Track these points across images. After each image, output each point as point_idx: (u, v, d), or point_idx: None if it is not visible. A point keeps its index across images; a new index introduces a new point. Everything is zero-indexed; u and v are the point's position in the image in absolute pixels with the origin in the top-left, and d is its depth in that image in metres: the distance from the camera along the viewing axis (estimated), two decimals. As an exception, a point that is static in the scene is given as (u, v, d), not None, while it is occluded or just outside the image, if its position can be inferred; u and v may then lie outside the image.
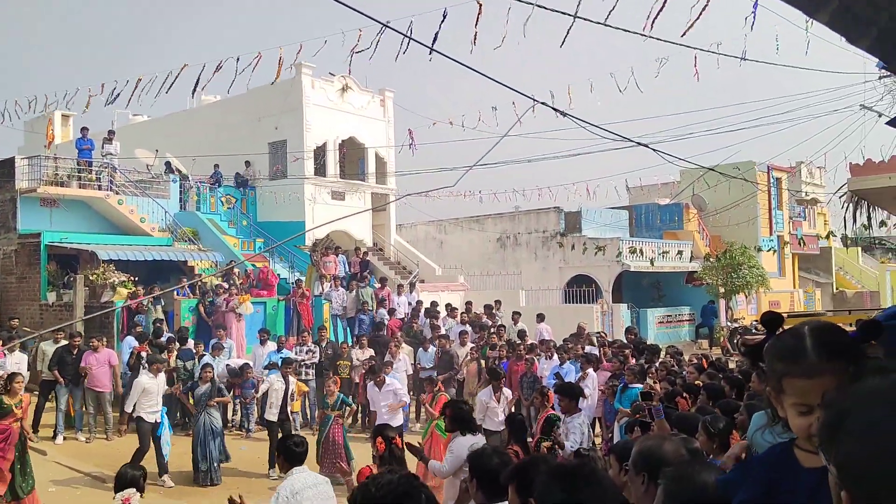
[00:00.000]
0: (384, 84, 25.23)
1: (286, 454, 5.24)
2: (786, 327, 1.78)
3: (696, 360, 11.90)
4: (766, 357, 1.76)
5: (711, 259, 24.83)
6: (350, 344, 15.03)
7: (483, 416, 10.15)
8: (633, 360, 12.00)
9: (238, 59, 11.98)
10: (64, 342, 12.29)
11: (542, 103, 5.08)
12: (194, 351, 12.95)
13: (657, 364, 11.39)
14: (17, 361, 11.37)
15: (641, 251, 24.63)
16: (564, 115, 5.09)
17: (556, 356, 13.10)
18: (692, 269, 26.16)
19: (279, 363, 12.95)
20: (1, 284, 17.54)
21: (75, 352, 12.11)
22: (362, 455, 10.58)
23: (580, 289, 23.96)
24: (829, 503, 1.47)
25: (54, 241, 17.01)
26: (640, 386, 9.39)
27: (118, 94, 13.00)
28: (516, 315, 16.96)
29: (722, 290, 24.07)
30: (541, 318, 17.09)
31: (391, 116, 25.00)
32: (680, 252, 26.65)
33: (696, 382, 9.03)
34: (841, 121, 16.04)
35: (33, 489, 8.39)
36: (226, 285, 16.15)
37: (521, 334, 14.96)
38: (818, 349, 1.63)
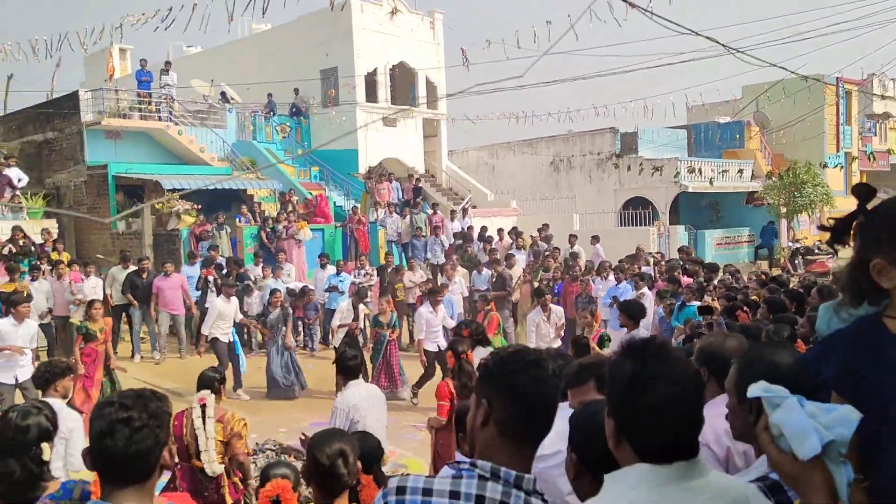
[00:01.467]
0: (433, 6, 24.74)
1: (342, 369, 5.57)
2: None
3: (755, 278, 11.79)
4: (870, 228, 1.73)
5: (773, 178, 24.09)
6: (406, 267, 15.32)
7: (535, 336, 10.35)
8: (689, 279, 11.94)
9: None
10: (133, 268, 12.86)
11: (629, 3, 4.89)
12: (262, 275, 13.43)
13: (715, 282, 11.33)
14: (94, 286, 11.99)
15: (700, 171, 24.05)
16: (633, 6, 4.94)
17: (611, 276, 13.12)
18: (753, 189, 25.47)
19: (338, 287, 13.41)
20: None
21: (144, 276, 12.65)
22: (414, 372, 10.94)
23: (636, 211, 23.66)
24: None
25: (120, 172, 17.56)
26: (697, 304, 9.40)
27: (173, 20, 13.03)
28: (572, 238, 16.96)
29: (784, 209, 23.43)
30: (595, 239, 17.04)
31: (441, 39, 24.59)
32: (740, 171, 25.93)
33: (753, 297, 8.99)
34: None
35: None
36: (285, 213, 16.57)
37: (574, 256, 14.99)
38: None
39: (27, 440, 2.72)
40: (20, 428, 2.73)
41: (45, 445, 2.76)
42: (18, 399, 8.10)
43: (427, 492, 1.72)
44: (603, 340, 7.38)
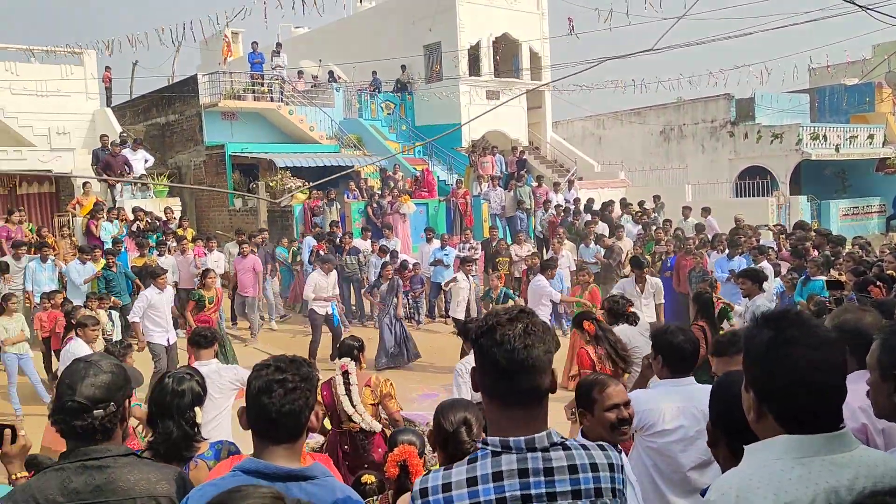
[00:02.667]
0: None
1: (466, 336, 5.57)
2: None
3: (888, 251, 10.99)
4: None
5: (908, 143, 22.30)
6: (509, 241, 15.26)
7: None
8: (816, 252, 11.29)
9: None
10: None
11: None
12: (371, 249, 13.72)
13: (843, 255, 10.64)
14: (216, 260, 12.60)
15: (825, 137, 22.57)
16: None
17: (727, 250, 12.58)
18: (885, 156, 23.68)
19: (443, 260, 13.51)
20: (195, 193, 19.30)
21: (262, 244, 13.15)
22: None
23: (753, 181, 22.53)
24: None
25: (236, 152, 18.36)
26: (823, 278, 8.87)
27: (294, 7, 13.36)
28: (686, 210, 16.38)
29: (920, 177, 21.69)
30: (706, 211, 16.34)
31: (545, 8, 24.14)
32: (871, 137, 24.12)
33: (889, 272, 8.37)
34: None
35: None
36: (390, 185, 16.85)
37: (699, 228, 14.44)
38: None
39: (183, 404, 2.94)
40: (177, 392, 2.95)
41: (197, 409, 2.98)
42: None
43: (446, 487, 1.73)
44: (725, 313, 7.06)
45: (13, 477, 2.43)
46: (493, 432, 1.79)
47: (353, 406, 5.09)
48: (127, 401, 2.21)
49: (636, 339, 5.72)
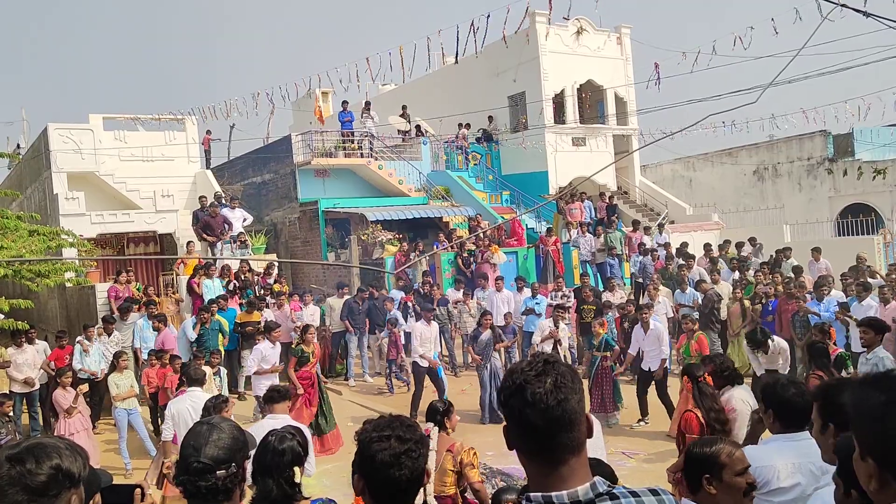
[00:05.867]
0: (621, 20, 24.31)
1: None
2: None
3: None
4: None
5: None
6: (601, 288, 15.02)
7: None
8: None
9: (489, 15, 12.32)
10: (348, 296, 13.73)
11: (843, 5, 4.50)
12: (462, 299, 13.80)
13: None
14: (312, 313, 12.95)
15: (934, 170, 21.34)
16: (868, 15, 4.47)
17: (832, 292, 12.01)
18: None
19: (535, 309, 13.41)
20: (290, 248, 20.00)
21: (361, 303, 13.45)
22: (629, 397, 10.64)
23: (856, 219, 21.48)
24: None
25: (329, 207, 18.98)
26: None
27: (381, 68, 13.86)
28: (787, 251, 15.73)
29: None
30: (818, 252, 15.43)
31: (629, 54, 24.11)
32: (984, 168, 22.63)
33: None
34: None
35: (335, 427, 9.62)
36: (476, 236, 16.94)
37: (797, 270, 13.83)
38: None
39: (283, 462, 2.97)
40: (278, 451, 3.00)
41: (296, 469, 2.99)
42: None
43: None
44: (844, 360, 6.67)
45: None
46: (534, 488, 1.71)
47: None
48: (245, 462, 2.28)
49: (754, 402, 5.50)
